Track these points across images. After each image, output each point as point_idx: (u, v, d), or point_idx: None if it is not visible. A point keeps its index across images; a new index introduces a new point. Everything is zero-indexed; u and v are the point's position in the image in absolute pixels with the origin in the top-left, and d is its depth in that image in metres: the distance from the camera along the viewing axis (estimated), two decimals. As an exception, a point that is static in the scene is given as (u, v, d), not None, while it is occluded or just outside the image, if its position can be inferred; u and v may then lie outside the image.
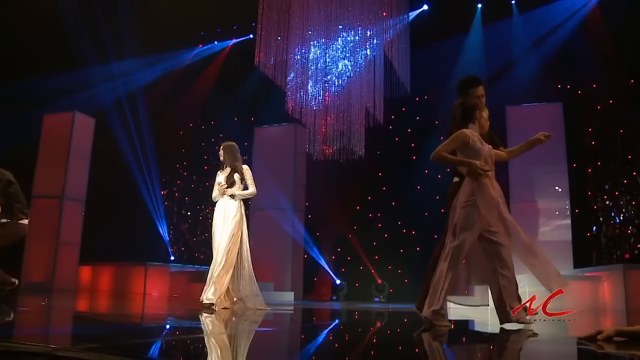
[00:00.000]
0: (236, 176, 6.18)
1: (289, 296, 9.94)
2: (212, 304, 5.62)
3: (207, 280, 5.85)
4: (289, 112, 10.42)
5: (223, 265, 5.82)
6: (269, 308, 5.98)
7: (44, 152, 10.00)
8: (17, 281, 5.93)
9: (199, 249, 12.43)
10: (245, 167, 6.34)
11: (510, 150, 4.25)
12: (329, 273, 11.61)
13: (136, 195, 12.22)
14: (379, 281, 11.21)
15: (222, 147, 6.38)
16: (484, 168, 3.73)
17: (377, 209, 12.21)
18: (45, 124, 10.28)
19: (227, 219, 6.00)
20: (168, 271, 9.89)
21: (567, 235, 9.38)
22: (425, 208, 11.58)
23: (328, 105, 10.13)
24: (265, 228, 10.68)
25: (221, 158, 6.36)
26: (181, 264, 10.84)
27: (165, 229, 12.89)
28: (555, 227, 9.50)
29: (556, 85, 10.35)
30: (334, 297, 11.16)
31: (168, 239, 12.87)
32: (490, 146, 3.95)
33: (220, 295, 5.76)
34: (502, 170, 10.43)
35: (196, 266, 10.40)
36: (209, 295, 5.71)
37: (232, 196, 6.06)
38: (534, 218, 9.63)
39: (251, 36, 13.24)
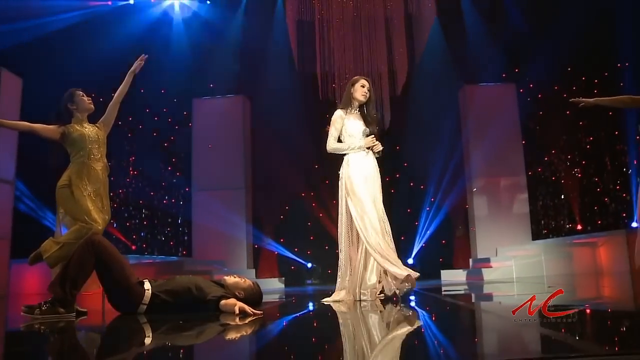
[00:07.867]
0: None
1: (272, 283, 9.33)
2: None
3: (378, 263, 4.36)
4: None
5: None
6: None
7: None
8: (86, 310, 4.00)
9: (128, 237, 10.65)
10: None
11: None
12: (279, 253, 10.83)
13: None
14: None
15: (369, 80, 4.73)
16: None
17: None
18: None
19: (369, 178, 4.58)
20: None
21: (525, 208, 10.02)
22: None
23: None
24: (211, 210, 9.94)
25: (363, 96, 4.67)
26: (138, 254, 9.36)
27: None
28: (514, 201, 10.04)
29: (511, 67, 10.47)
30: (309, 281, 10.48)
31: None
32: None
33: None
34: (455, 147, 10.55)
35: (154, 256, 9.14)
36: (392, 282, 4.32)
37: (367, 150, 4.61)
38: (496, 193, 10.05)
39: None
